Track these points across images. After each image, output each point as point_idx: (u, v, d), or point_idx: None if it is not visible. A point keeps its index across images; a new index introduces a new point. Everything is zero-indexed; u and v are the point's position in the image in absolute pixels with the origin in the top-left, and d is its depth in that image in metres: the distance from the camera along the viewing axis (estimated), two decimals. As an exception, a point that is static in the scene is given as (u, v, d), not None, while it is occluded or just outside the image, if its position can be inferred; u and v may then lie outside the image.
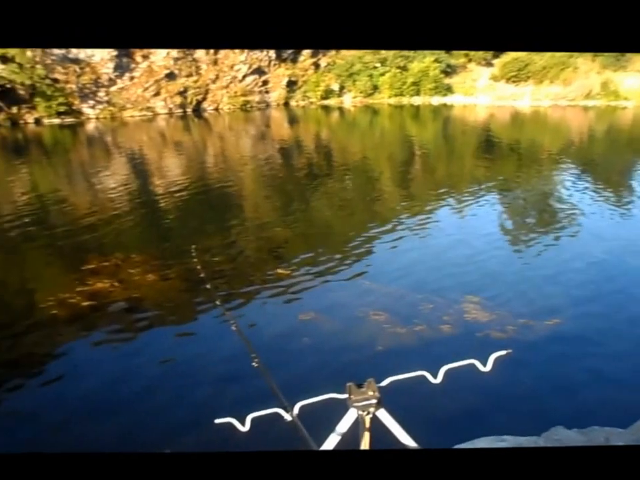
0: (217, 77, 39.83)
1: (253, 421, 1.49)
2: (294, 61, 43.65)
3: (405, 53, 40.23)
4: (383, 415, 1.41)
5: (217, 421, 1.51)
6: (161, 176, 16.71)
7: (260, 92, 42.54)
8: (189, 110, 38.72)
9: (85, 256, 8.23)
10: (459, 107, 39.61)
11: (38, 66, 32.35)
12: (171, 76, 37.67)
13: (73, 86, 34.18)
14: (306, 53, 42.78)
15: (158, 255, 8.36)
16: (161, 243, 9.29)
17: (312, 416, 1.54)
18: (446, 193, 13.14)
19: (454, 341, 5.40)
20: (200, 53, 37.61)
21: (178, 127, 32.71)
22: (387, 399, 1.43)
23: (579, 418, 4.07)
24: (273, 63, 42.41)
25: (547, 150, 21.56)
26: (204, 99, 39.74)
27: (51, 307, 6.48)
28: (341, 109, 41.11)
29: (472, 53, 39.78)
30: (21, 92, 31.89)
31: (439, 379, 1.60)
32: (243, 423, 1.49)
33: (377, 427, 1.41)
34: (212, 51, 37.27)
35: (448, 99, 42.08)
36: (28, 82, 31.67)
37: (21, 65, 31.35)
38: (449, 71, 43.21)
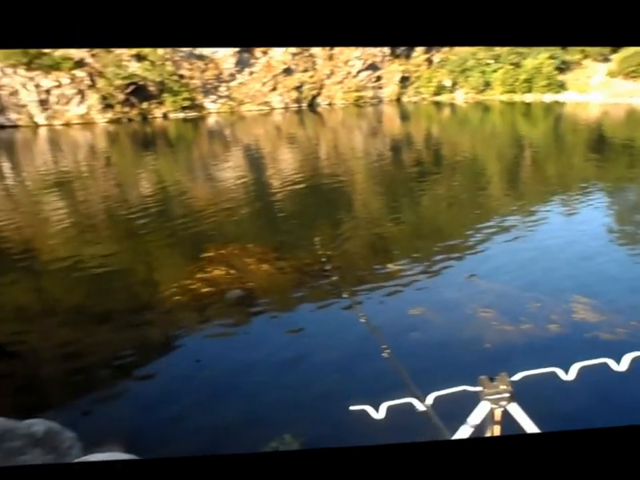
0: (332, 72, 40.25)
1: (388, 409, 1.53)
2: (407, 56, 43.07)
3: (520, 49, 38.93)
4: (515, 410, 1.42)
5: (352, 407, 1.56)
6: (276, 169, 16.95)
7: (373, 87, 42.37)
8: (304, 105, 39.44)
9: (203, 245, 8.47)
10: (572, 104, 37.66)
11: (167, 63, 34.66)
12: (288, 71, 38.65)
13: (197, 81, 36.22)
14: (419, 48, 41.88)
15: (272, 246, 8.44)
16: (274, 235, 9.41)
17: (443, 407, 1.54)
18: (556, 192, 12.69)
19: (562, 340, 5.35)
20: (316, 49, 38.23)
21: (293, 122, 33.30)
22: (518, 394, 1.44)
23: None
24: (386, 58, 42.08)
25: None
26: (318, 93, 40.32)
27: (174, 292, 6.71)
28: (452, 105, 40.24)
29: (588, 48, 38.01)
30: (151, 88, 34.32)
31: (572, 376, 1.58)
32: (377, 411, 1.54)
33: (508, 421, 1.41)
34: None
35: (560, 97, 40.09)
36: (158, 79, 34.04)
37: (153, 63, 33.76)
38: (563, 67, 41.04)
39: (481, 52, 40.91)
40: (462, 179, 14.77)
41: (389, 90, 42.87)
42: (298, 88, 38.87)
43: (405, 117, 35.60)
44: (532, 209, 10.92)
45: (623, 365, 1.59)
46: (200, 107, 36.60)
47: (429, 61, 43.77)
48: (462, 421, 1.43)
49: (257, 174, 15.93)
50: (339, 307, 6.07)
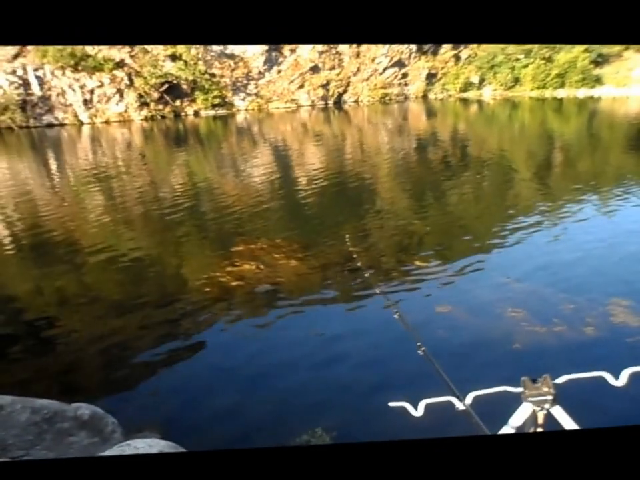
0: (358, 70, 40.28)
1: (426, 407, 1.52)
2: (434, 53, 42.67)
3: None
4: (558, 413, 1.37)
5: (391, 404, 1.55)
6: (303, 166, 17.24)
7: (399, 84, 42.23)
8: (330, 102, 39.73)
9: (233, 239, 8.72)
10: (608, 99, 35.75)
11: (199, 62, 35.58)
12: (315, 69, 38.98)
13: (227, 80, 37.03)
14: (447, 45, 41.40)
15: (301, 242, 8.55)
16: (303, 231, 9.51)
17: (483, 407, 1.51)
18: (589, 189, 12.06)
19: (599, 345, 5.03)
20: (344, 46, 38.32)
21: (319, 119, 33.65)
22: (562, 397, 1.39)
23: None
24: (413, 55, 41.82)
25: None
26: (345, 91, 40.50)
27: (204, 284, 6.92)
28: (479, 102, 39.34)
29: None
30: (184, 86, 35.39)
31: (622, 382, 1.46)
32: (416, 408, 1.52)
33: (551, 424, 1.37)
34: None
35: (596, 91, 38.56)
36: (191, 77, 35.05)
37: (186, 62, 34.77)
38: (600, 60, 39.61)
39: (511, 47, 39.71)
40: (492, 177, 14.48)
41: (415, 87, 42.70)
42: (325, 86, 39.17)
43: (431, 113, 35.21)
44: (562, 207, 10.50)
45: None
46: (229, 105, 37.45)
47: (457, 57, 43.25)
48: (503, 421, 1.41)
49: (284, 170, 16.22)
50: (371, 303, 5.97)
